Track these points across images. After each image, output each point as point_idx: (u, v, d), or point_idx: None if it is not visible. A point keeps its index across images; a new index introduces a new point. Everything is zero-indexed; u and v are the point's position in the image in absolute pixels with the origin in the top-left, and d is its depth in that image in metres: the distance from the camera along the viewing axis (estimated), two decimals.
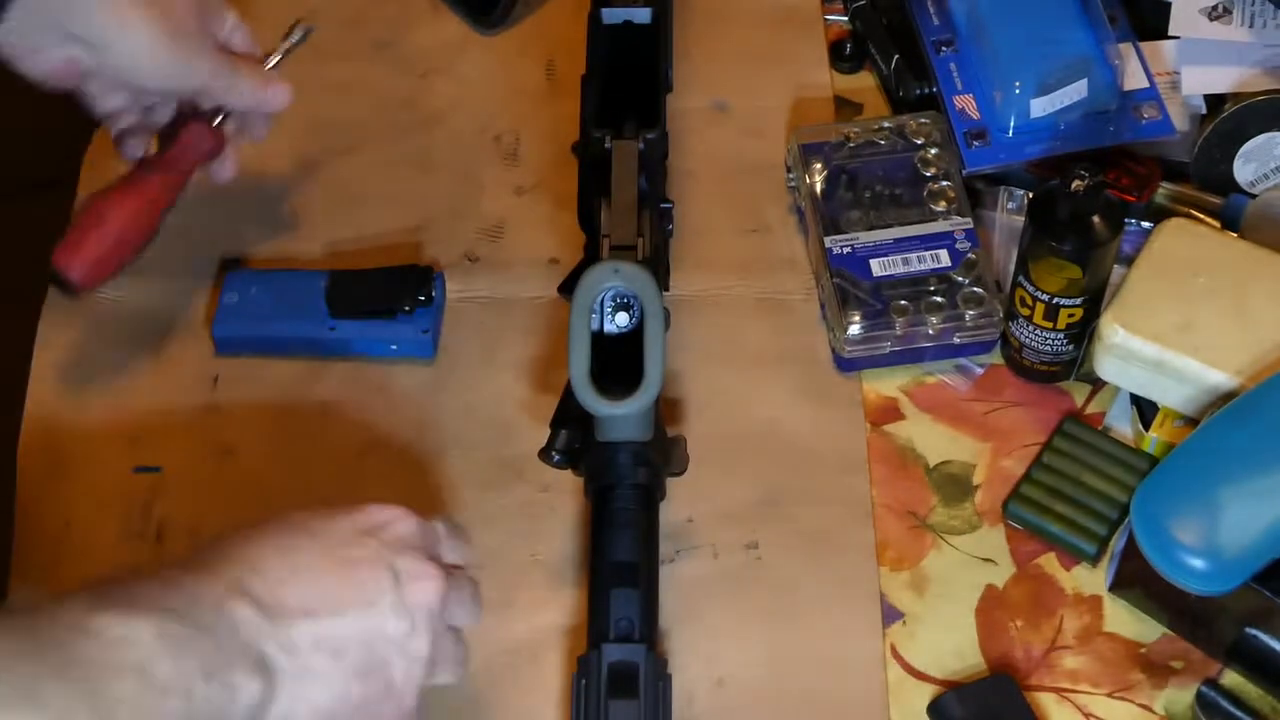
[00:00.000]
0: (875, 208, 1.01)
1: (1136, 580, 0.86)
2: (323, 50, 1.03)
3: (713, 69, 1.15)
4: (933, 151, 1.03)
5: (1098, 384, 0.97)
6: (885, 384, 0.98)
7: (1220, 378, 0.87)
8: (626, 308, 0.86)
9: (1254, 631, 0.82)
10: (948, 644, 0.87)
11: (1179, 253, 0.92)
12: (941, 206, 1.00)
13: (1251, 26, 1.01)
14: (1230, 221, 1.00)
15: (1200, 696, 0.83)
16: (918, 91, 1.08)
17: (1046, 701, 0.85)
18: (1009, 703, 0.83)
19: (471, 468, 0.94)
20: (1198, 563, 0.79)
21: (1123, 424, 0.95)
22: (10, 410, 0.96)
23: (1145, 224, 1.00)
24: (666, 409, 0.95)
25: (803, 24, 1.17)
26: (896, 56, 1.10)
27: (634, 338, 0.84)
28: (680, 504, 0.91)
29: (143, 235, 0.95)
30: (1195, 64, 1.03)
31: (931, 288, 0.97)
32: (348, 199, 1.08)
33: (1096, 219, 0.89)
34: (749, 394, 0.98)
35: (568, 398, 0.86)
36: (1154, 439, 0.92)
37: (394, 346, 0.99)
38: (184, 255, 1.04)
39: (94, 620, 0.61)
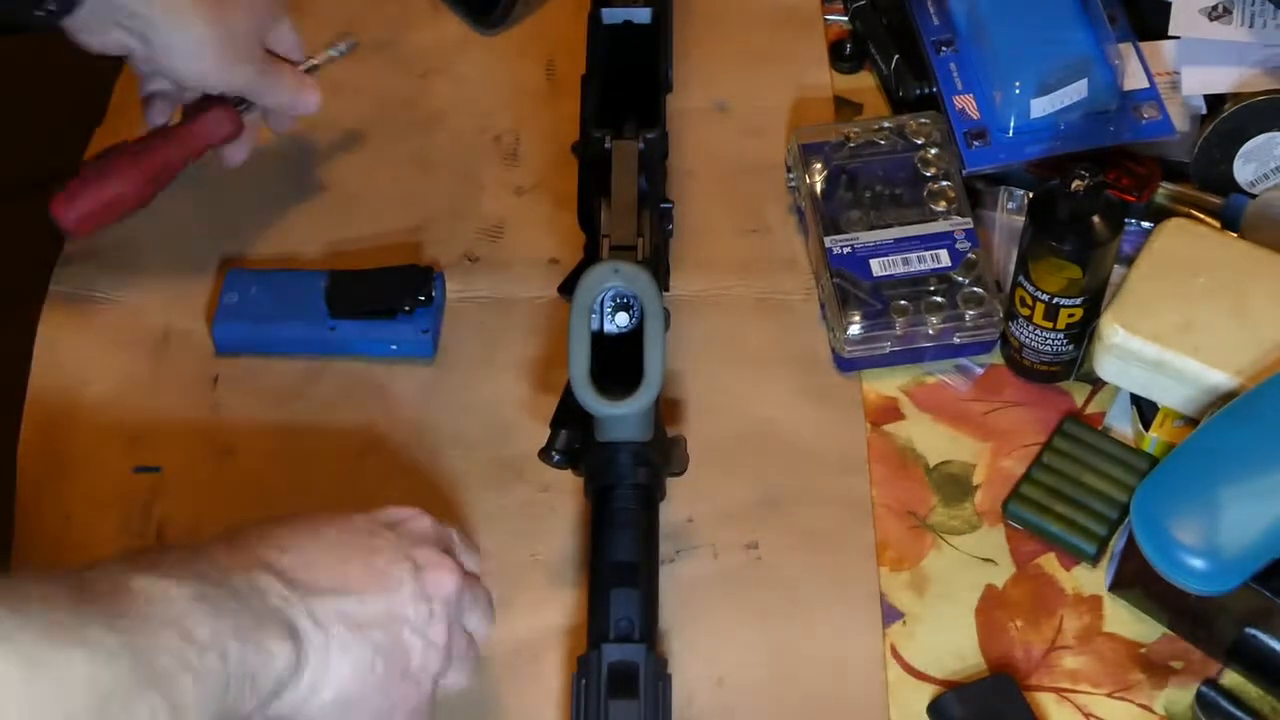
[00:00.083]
0: (875, 208, 1.01)
1: (1136, 580, 0.86)
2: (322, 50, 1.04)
3: (713, 69, 1.15)
4: (933, 151, 1.03)
5: (1098, 384, 0.97)
6: (885, 384, 0.98)
7: (1220, 378, 0.87)
8: (626, 308, 0.86)
9: (1254, 631, 0.82)
10: (948, 644, 0.87)
11: (1179, 253, 0.92)
12: (941, 206, 1.00)
13: (1251, 26, 1.01)
14: (1230, 221, 1.00)
15: (1200, 696, 0.83)
16: (918, 91, 1.08)
17: (1046, 701, 0.85)
18: (1009, 703, 0.83)
19: (471, 468, 0.94)
20: (1198, 563, 0.79)
21: (1123, 424, 0.95)
22: (10, 410, 0.96)
23: (1145, 224, 1.00)
24: (666, 409, 0.95)
25: (803, 24, 1.18)
26: (896, 56, 1.10)
27: (634, 338, 0.84)
28: (680, 504, 0.91)
29: (138, 200, 0.99)
30: (1195, 64, 1.03)
31: (931, 288, 0.97)
32: (348, 199, 1.08)
33: (1096, 219, 0.89)
34: (749, 394, 0.98)
35: (568, 398, 0.86)
36: (1154, 439, 0.92)
37: (394, 346, 0.99)
38: (184, 255, 1.04)
39: (133, 580, 0.62)
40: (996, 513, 0.92)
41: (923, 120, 1.04)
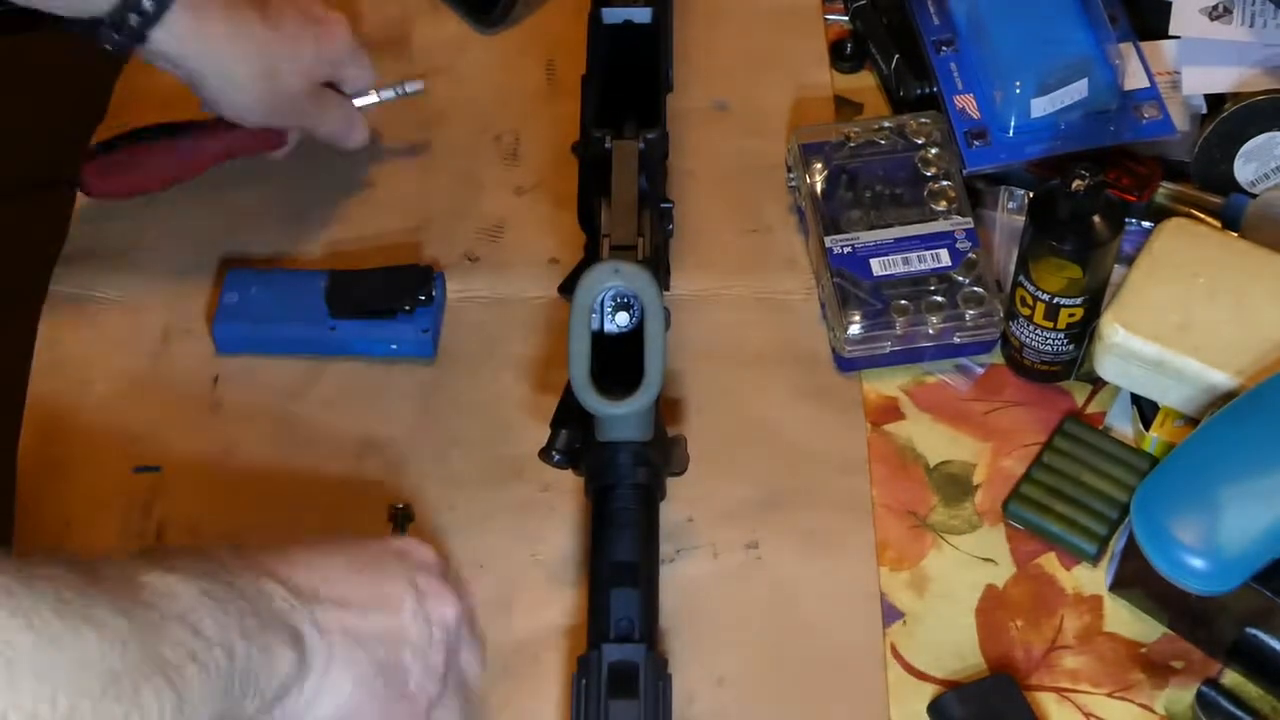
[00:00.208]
0: (875, 207, 1.00)
1: (1137, 580, 0.86)
2: None
3: (713, 69, 1.15)
4: (933, 151, 1.03)
5: (1098, 384, 0.97)
6: (885, 384, 0.98)
7: (1220, 378, 0.87)
8: (626, 308, 0.86)
9: (1254, 631, 0.82)
10: (948, 644, 0.87)
11: (1179, 253, 0.92)
12: (942, 206, 1.00)
13: (1251, 26, 1.01)
14: (1230, 221, 0.99)
15: (1200, 696, 0.83)
16: (918, 91, 1.08)
17: (1046, 701, 0.85)
18: (1009, 703, 0.83)
19: (471, 467, 0.94)
20: (1198, 563, 0.79)
21: (1123, 424, 0.95)
22: (10, 410, 0.96)
23: (1145, 224, 1.00)
24: (666, 409, 0.95)
25: (803, 24, 1.17)
26: (897, 56, 1.10)
27: (634, 338, 0.84)
28: (680, 504, 0.91)
29: (163, 186, 1.03)
30: (1195, 64, 1.03)
31: (932, 287, 0.97)
32: (348, 199, 1.08)
33: (1097, 219, 0.89)
34: (749, 394, 0.97)
35: (568, 398, 0.86)
36: (1154, 439, 0.92)
37: (394, 346, 0.99)
38: (184, 255, 1.04)
39: (141, 574, 0.62)
40: (997, 512, 0.92)
41: (923, 120, 1.04)
